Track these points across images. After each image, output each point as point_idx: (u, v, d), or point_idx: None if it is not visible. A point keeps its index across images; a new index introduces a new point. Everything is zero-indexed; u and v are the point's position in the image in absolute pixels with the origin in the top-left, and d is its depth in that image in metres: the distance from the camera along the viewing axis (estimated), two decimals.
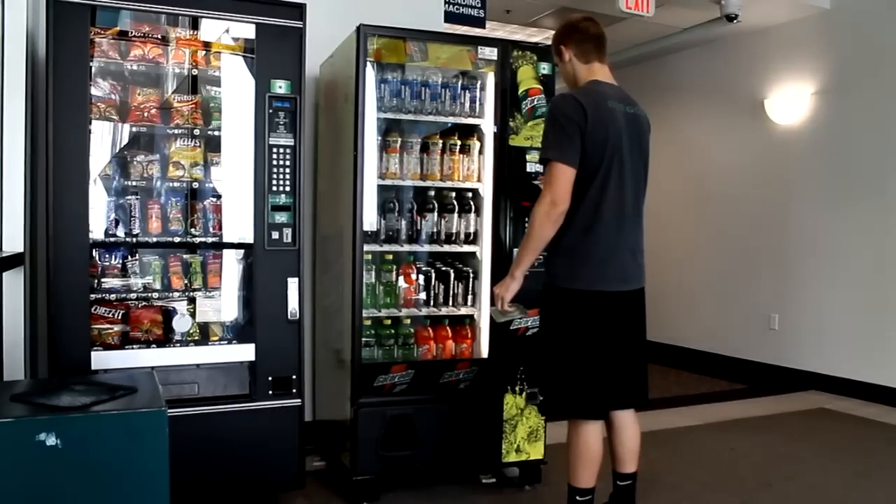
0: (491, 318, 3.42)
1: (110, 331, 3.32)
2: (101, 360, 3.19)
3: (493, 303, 3.23)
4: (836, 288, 6.19)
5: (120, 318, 3.35)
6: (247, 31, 3.43)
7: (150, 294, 3.41)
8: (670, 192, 7.47)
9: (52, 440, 2.15)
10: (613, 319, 3.00)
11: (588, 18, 3.17)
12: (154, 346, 3.36)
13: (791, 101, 6.51)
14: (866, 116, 5.99)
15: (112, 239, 3.36)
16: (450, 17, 4.90)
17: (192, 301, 3.49)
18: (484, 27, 5.01)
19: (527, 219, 3.75)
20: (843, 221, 6.15)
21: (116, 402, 2.35)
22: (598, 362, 2.97)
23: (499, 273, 3.83)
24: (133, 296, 3.38)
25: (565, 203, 2.88)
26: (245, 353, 3.44)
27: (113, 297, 3.34)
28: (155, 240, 3.42)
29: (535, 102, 3.86)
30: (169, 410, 2.33)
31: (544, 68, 3.89)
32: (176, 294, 3.45)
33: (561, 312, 3.00)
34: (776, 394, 6.25)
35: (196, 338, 3.46)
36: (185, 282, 3.49)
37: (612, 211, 2.95)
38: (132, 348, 3.32)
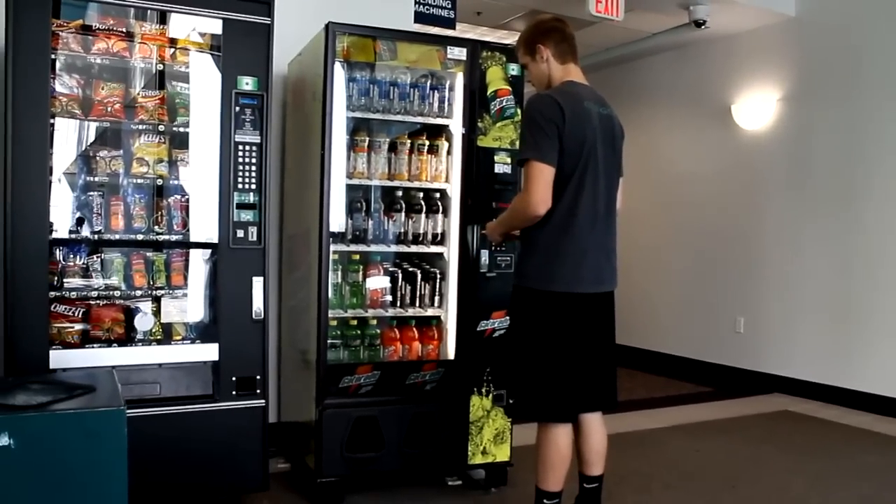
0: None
1: (70, 329, 3.27)
2: (60, 358, 3.13)
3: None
4: (801, 292, 6.27)
5: (80, 316, 3.30)
6: (214, 26, 3.39)
7: (112, 293, 3.36)
8: (638, 195, 7.51)
9: (4, 440, 2.10)
10: (585, 322, 3.00)
11: (559, 19, 3.18)
12: (115, 345, 3.31)
13: (757, 108, 6.59)
14: (831, 123, 6.08)
15: (74, 236, 3.31)
16: (420, 18, 4.90)
17: (155, 300, 3.45)
18: (454, 28, 5.01)
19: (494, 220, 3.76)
20: (808, 226, 6.23)
21: (74, 402, 2.31)
22: (569, 365, 2.97)
23: (466, 274, 3.83)
24: (95, 294, 3.33)
25: (544, 205, 2.87)
26: (208, 352, 3.41)
27: (74, 295, 3.28)
28: (118, 237, 3.37)
29: (504, 103, 3.86)
30: (129, 410, 2.29)
31: (513, 69, 3.89)
32: (139, 293, 3.41)
33: (533, 315, 2.99)
34: (741, 396, 6.31)
35: (158, 337, 3.42)
36: (149, 280, 3.45)
37: (586, 213, 2.95)
38: (92, 347, 3.27)
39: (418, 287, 3.99)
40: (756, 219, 6.62)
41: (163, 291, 3.45)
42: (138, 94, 3.42)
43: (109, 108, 3.34)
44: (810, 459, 4.63)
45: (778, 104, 6.48)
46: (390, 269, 4.00)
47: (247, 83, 3.41)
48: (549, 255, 2.95)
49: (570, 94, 2.97)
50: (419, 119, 3.92)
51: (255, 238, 3.43)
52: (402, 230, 3.95)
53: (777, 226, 6.46)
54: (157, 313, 3.44)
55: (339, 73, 3.68)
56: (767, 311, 6.53)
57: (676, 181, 7.39)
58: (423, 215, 3.96)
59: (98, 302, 3.36)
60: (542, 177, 2.86)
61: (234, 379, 3.40)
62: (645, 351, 7.54)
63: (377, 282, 3.94)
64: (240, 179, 3.40)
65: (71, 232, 3.31)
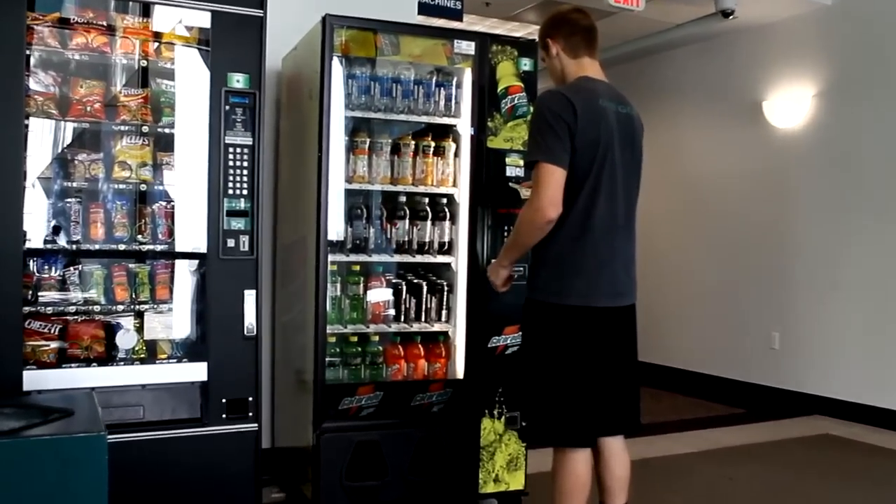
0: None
1: (46, 348, 3.26)
2: (35, 379, 3.13)
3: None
4: (841, 304, 6.23)
5: (57, 333, 3.29)
6: (201, 19, 3.40)
7: (91, 307, 3.36)
8: (661, 200, 7.50)
9: None
10: (604, 338, 2.99)
11: (578, 10, 3.17)
12: (95, 364, 3.31)
13: (791, 104, 6.57)
14: (872, 119, 6.06)
15: (50, 246, 3.31)
16: (424, 9, 4.90)
17: (138, 315, 3.45)
18: (461, 20, 5.02)
19: (507, 227, 3.76)
20: (848, 233, 6.20)
21: (50, 427, 2.30)
22: (586, 385, 2.95)
23: (476, 286, 3.82)
24: (72, 309, 3.33)
25: (554, 213, 2.85)
26: (196, 372, 3.40)
27: (50, 310, 3.28)
28: (98, 247, 3.37)
29: (516, 101, 3.86)
30: (110, 436, 2.28)
31: (526, 64, 3.89)
32: (120, 307, 3.41)
33: (547, 330, 2.98)
34: (777, 418, 6.27)
35: (142, 355, 3.42)
36: (131, 294, 3.44)
37: (603, 220, 2.94)
38: (70, 367, 3.26)
39: (424, 300, 3.98)
40: (791, 225, 6.60)
41: (146, 306, 3.44)
42: (120, 92, 3.43)
43: (89, 108, 3.35)
44: (854, 488, 4.59)
45: (814, 100, 6.46)
46: (393, 280, 4.00)
47: (237, 80, 3.42)
48: (563, 266, 2.94)
49: (583, 91, 2.97)
50: (424, 119, 3.92)
51: (246, 248, 3.43)
52: (406, 239, 3.94)
53: (814, 232, 6.43)
54: (140, 330, 3.43)
55: (338, 69, 3.69)
56: (805, 325, 6.49)
57: (703, 184, 7.37)
58: (429, 223, 3.95)
59: (76, 317, 3.35)
60: (553, 180, 2.85)
61: (223, 401, 3.40)
62: (671, 369, 7.51)
63: (379, 295, 3.93)
64: (230, 184, 3.40)
65: (46, 241, 3.31)
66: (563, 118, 2.86)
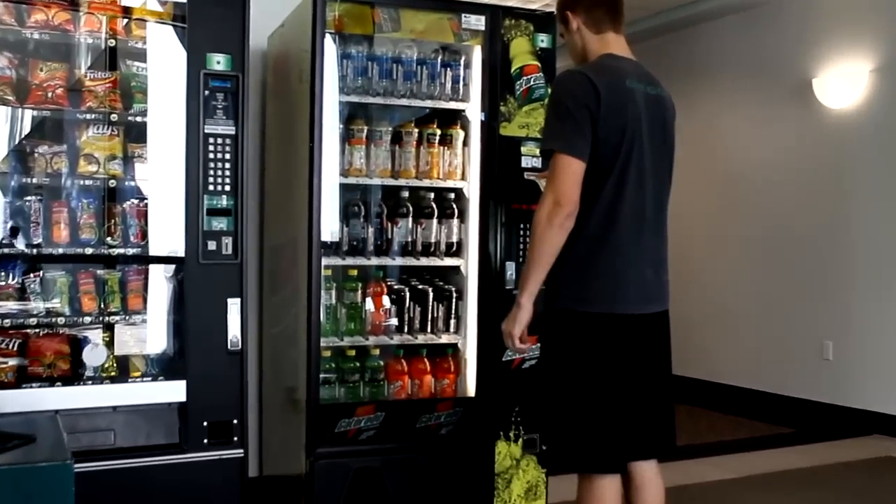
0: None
1: (3, 365, 3.28)
2: None
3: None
4: None
5: (16, 349, 3.31)
6: None
7: (54, 319, 3.38)
8: (697, 193, 7.49)
9: None
10: (633, 349, 2.98)
11: None
12: (59, 383, 3.32)
13: (846, 81, 6.54)
14: None
15: (7, 251, 3.33)
16: None
17: (108, 328, 3.46)
18: None
19: (523, 225, 3.76)
20: None
21: (9, 455, 2.30)
22: (614, 403, 2.94)
23: (488, 291, 3.82)
24: (33, 321, 3.35)
25: (573, 204, 2.85)
26: (174, 392, 3.41)
27: (7, 323, 3.30)
28: (62, 251, 3.39)
29: (532, 83, 3.86)
30: (77, 465, 2.28)
31: (543, 41, 3.89)
32: (88, 319, 3.42)
33: (568, 341, 2.98)
34: (831, 439, 6.25)
35: (113, 373, 3.43)
36: (100, 304, 3.46)
37: (630, 216, 2.93)
38: (31, 387, 3.28)
39: (430, 308, 3.99)
40: (846, 219, 6.58)
41: (117, 317, 3.46)
42: (85, 76, 3.45)
43: (50, 94, 3.36)
44: None
45: (871, 76, 6.43)
46: (395, 286, 4.00)
47: (218, 62, 3.43)
48: (586, 268, 2.93)
49: (607, 71, 2.96)
50: (428, 103, 3.93)
51: (229, 251, 3.44)
52: (410, 239, 3.95)
53: (872, 228, 6.41)
54: (110, 344, 3.44)
55: (331, 48, 3.69)
56: (862, 333, 6.47)
57: (744, 174, 7.35)
58: (435, 221, 3.96)
59: (37, 331, 3.37)
60: (570, 172, 2.83)
61: (205, 424, 3.41)
62: (709, 384, 7.49)
63: (379, 303, 3.93)
64: (211, 179, 3.41)
65: (3, 245, 3.32)
66: (585, 103, 2.85)
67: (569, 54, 3.22)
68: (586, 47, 3.10)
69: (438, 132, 3.96)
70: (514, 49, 3.86)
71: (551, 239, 2.87)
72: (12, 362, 3.30)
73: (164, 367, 3.49)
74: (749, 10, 7.20)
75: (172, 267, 3.52)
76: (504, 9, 3.93)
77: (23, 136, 3.40)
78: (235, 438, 3.44)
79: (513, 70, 3.85)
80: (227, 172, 3.43)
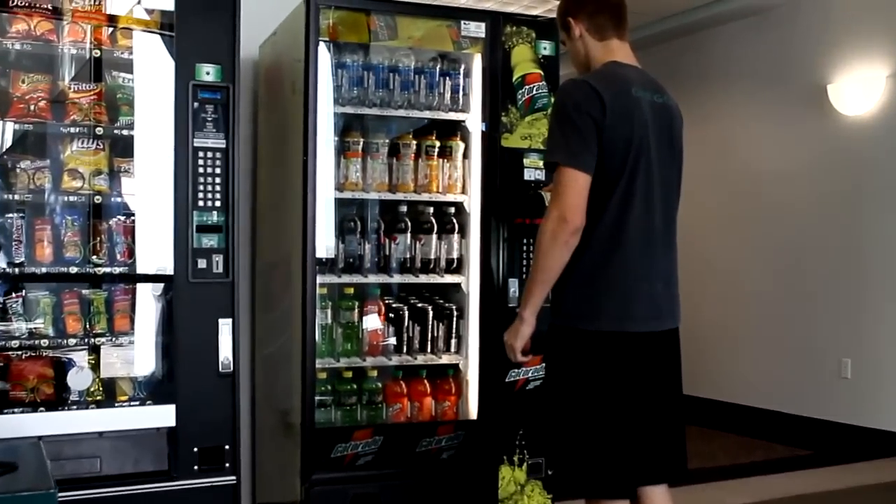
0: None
1: None
2: None
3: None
4: None
5: None
6: (164, 0, 3.43)
7: (38, 341, 3.37)
8: (707, 204, 7.49)
9: None
10: (642, 369, 2.98)
11: None
12: (42, 408, 3.31)
13: (862, 87, 6.55)
14: None
15: None
16: None
17: (94, 350, 3.45)
18: None
19: (526, 240, 3.76)
20: None
21: None
22: (622, 425, 2.94)
23: (490, 310, 3.82)
24: (15, 344, 3.34)
25: (579, 219, 2.86)
26: (163, 416, 3.41)
27: None
28: (45, 270, 3.38)
29: (535, 92, 3.87)
30: (60, 493, 2.27)
31: (545, 48, 3.90)
32: (73, 341, 3.41)
33: (575, 360, 2.98)
34: (851, 461, 6.23)
35: (99, 397, 3.42)
36: (85, 325, 3.45)
37: (638, 229, 2.94)
38: (13, 412, 3.27)
39: (430, 328, 3.99)
40: (864, 230, 6.57)
41: (103, 339, 3.45)
42: (69, 87, 3.45)
43: (32, 106, 3.37)
44: None
45: (889, 82, 6.44)
46: (394, 305, 4.00)
47: (207, 72, 3.44)
48: (592, 284, 2.93)
49: (613, 79, 2.97)
50: (427, 114, 3.94)
51: (220, 269, 3.44)
52: (408, 255, 3.95)
53: (892, 239, 6.40)
54: (96, 367, 3.43)
55: (325, 57, 3.70)
56: (882, 350, 6.45)
57: (756, 185, 7.35)
58: (434, 236, 3.96)
59: (20, 353, 3.36)
60: (576, 186, 2.84)
61: (195, 450, 3.40)
62: (722, 404, 7.47)
63: (377, 322, 3.93)
64: (200, 195, 3.42)
65: None
66: (589, 113, 2.85)
67: (571, 62, 3.22)
68: (589, 55, 3.10)
69: (437, 144, 3.97)
70: (516, 57, 3.87)
71: (556, 256, 2.89)
72: None
73: (152, 391, 3.49)
74: (761, 14, 7.21)
75: (161, 286, 3.51)
76: (505, 15, 3.94)
77: (4, 150, 3.40)
78: (227, 465, 3.44)
79: (514, 79, 3.86)
80: (218, 187, 3.44)
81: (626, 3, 3.16)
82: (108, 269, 3.46)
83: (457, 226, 3.98)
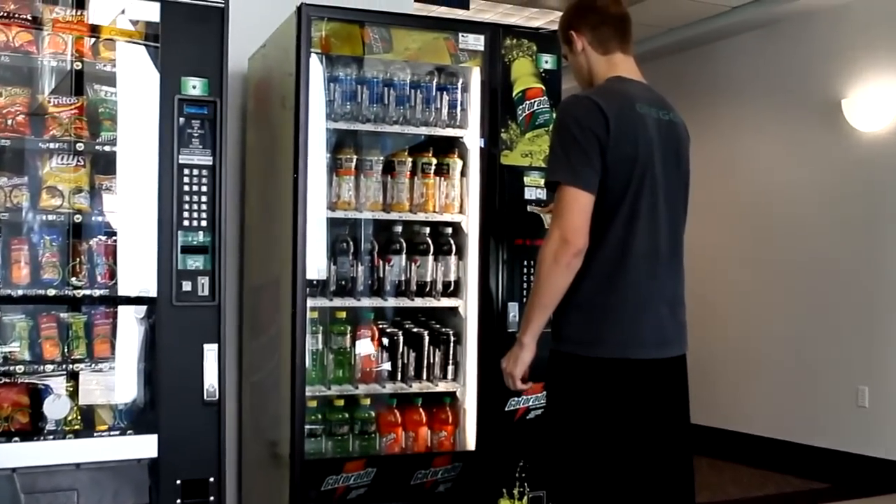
0: None
1: None
2: None
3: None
4: None
5: None
6: (149, 10, 3.44)
7: (13, 367, 3.35)
8: (716, 225, 7.50)
9: None
10: (648, 398, 2.98)
11: None
12: (17, 439, 3.29)
13: (878, 102, 6.57)
14: None
15: None
16: None
17: (72, 376, 3.44)
18: (467, 7, 5.07)
19: (527, 262, 3.77)
20: None
21: None
22: (627, 456, 2.94)
23: (489, 335, 3.82)
24: None
25: (582, 241, 2.87)
26: (144, 447, 3.39)
27: None
28: (21, 293, 3.37)
29: (536, 107, 3.88)
30: None
31: (547, 61, 3.92)
32: (50, 367, 3.40)
33: (577, 389, 2.98)
34: (869, 495, 6.22)
35: (76, 427, 3.41)
36: (64, 350, 3.44)
37: (642, 251, 2.94)
38: None
39: (425, 354, 3.98)
40: (881, 252, 6.58)
41: (82, 365, 3.44)
42: (49, 101, 3.45)
43: (10, 121, 3.37)
44: None
45: None
46: (388, 329, 4.00)
47: (194, 86, 3.44)
48: (595, 309, 2.94)
49: (616, 95, 2.98)
50: (423, 130, 3.95)
51: (206, 292, 3.44)
52: (403, 278, 3.96)
53: None
54: (74, 394, 3.42)
55: (317, 70, 3.72)
56: None
57: (768, 204, 7.36)
58: (431, 258, 3.97)
59: None
60: (577, 207, 2.85)
61: (178, 483, 3.38)
62: (732, 433, 7.46)
63: (370, 347, 3.93)
64: (186, 214, 3.41)
65: None
66: (592, 130, 2.86)
67: (573, 77, 3.24)
68: (592, 69, 3.12)
69: (434, 161, 3.98)
70: (516, 71, 3.88)
71: (557, 279, 2.90)
72: None
73: (133, 420, 3.47)
74: (771, 26, 7.24)
75: (143, 309, 3.50)
76: (504, 27, 3.95)
77: None
78: (212, 498, 3.42)
79: (515, 94, 3.87)
80: (204, 206, 3.43)
81: (631, 15, 3.18)
82: (87, 292, 3.45)
83: (454, 247, 3.99)
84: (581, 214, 2.86)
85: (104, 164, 3.51)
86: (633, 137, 2.92)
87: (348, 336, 3.90)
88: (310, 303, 3.69)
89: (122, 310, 3.53)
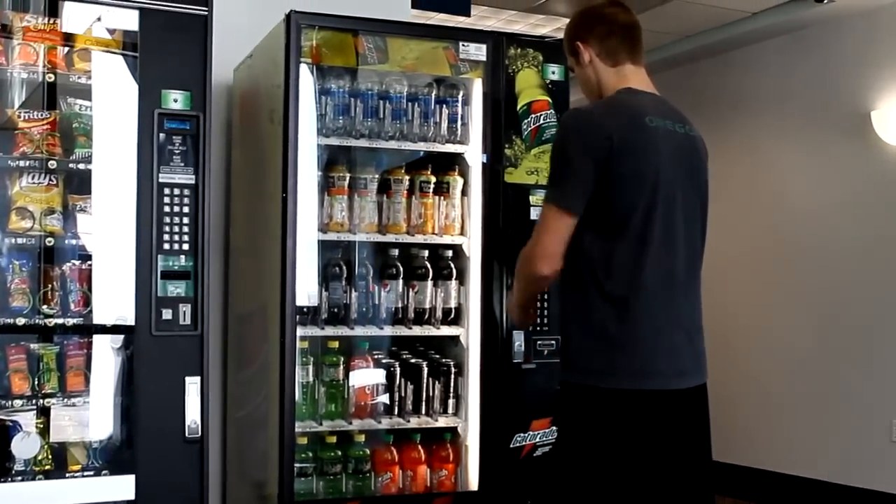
0: None
1: None
2: None
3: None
4: None
5: None
6: (128, 18, 3.46)
7: None
8: (737, 246, 7.49)
9: None
10: (666, 432, 2.97)
11: (615, 2, 3.20)
12: None
13: None
14: None
15: None
16: (419, 2, 4.95)
17: (43, 412, 3.44)
18: (468, 14, 5.08)
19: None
20: None
21: None
22: (644, 495, 2.94)
23: (492, 366, 3.82)
24: None
25: (548, 269, 2.90)
26: (121, 488, 3.39)
27: None
28: None
29: (542, 121, 3.90)
30: None
31: (554, 72, 3.94)
32: (18, 402, 3.40)
33: (589, 423, 2.97)
34: None
35: (47, 467, 3.40)
36: (33, 384, 3.44)
37: (657, 276, 2.93)
38: None
39: (424, 386, 3.98)
40: None
41: (54, 399, 3.44)
42: (18, 115, 3.46)
43: None
44: None
45: None
46: (384, 360, 4.00)
47: (175, 99, 3.46)
48: (607, 337, 2.93)
49: (622, 108, 2.99)
50: (421, 146, 3.96)
51: (188, 320, 3.44)
52: (400, 305, 3.97)
53: None
54: (44, 432, 3.42)
55: (307, 82, 3.73)
56: None
57: (792, 223, 7.35)
58: (430, 283, 3.98)
59: None
60: (555, 228, 2.88)
61: None
62: (757, 471, 7.45)
63: (365, 379, 3.93)
64: (166, 237, 3.42)
65: None
66: (589, 148, 2.86)
67: (581, 90, 3.24)
68: (601, 82, 3.11)
69: (433, 179, 4.00)
70: (521, 82, 3.90)
71: (526, 288, 3.14)
72: None
73: (109, 459, 3.47)
74: (795, 32, 7.25)
75: (120, 339, 3.51)
76: (508, 36, 3.98)
77: None
78: None
79: (519, 107, 3.88)
80: (186, 228, 3.44)
81: (644, 22, 3.18)
82: (60, 320, 3.46)
83: (455, 271, 4.00)
84: (557, 238, 2.88)
85: (78, 183, 3.52)
86: (643, 153, 2.92)
87: (341, 367, 3.90)
88: (300, 332, 3.69)
89: (98, 340, 3.53)
